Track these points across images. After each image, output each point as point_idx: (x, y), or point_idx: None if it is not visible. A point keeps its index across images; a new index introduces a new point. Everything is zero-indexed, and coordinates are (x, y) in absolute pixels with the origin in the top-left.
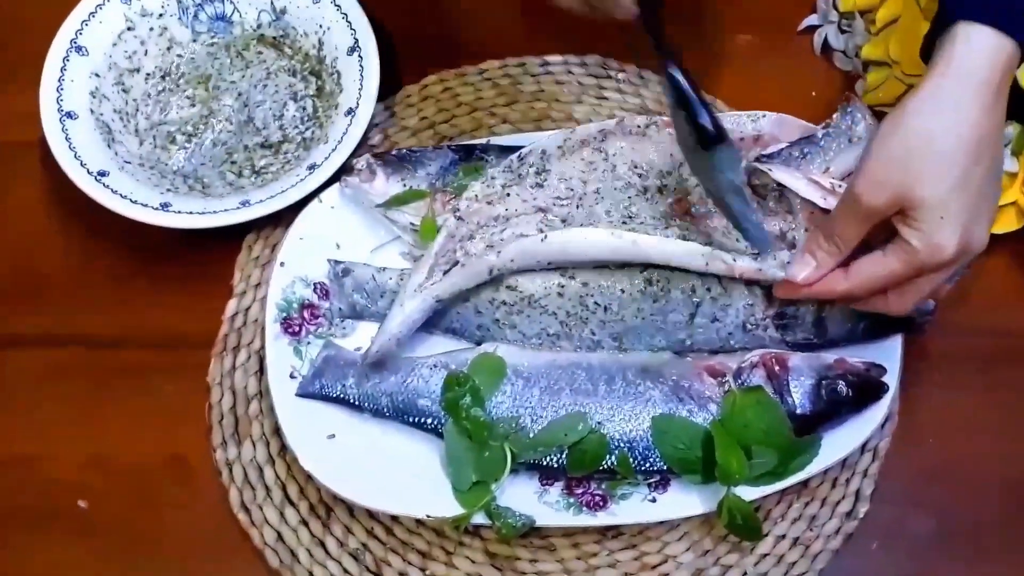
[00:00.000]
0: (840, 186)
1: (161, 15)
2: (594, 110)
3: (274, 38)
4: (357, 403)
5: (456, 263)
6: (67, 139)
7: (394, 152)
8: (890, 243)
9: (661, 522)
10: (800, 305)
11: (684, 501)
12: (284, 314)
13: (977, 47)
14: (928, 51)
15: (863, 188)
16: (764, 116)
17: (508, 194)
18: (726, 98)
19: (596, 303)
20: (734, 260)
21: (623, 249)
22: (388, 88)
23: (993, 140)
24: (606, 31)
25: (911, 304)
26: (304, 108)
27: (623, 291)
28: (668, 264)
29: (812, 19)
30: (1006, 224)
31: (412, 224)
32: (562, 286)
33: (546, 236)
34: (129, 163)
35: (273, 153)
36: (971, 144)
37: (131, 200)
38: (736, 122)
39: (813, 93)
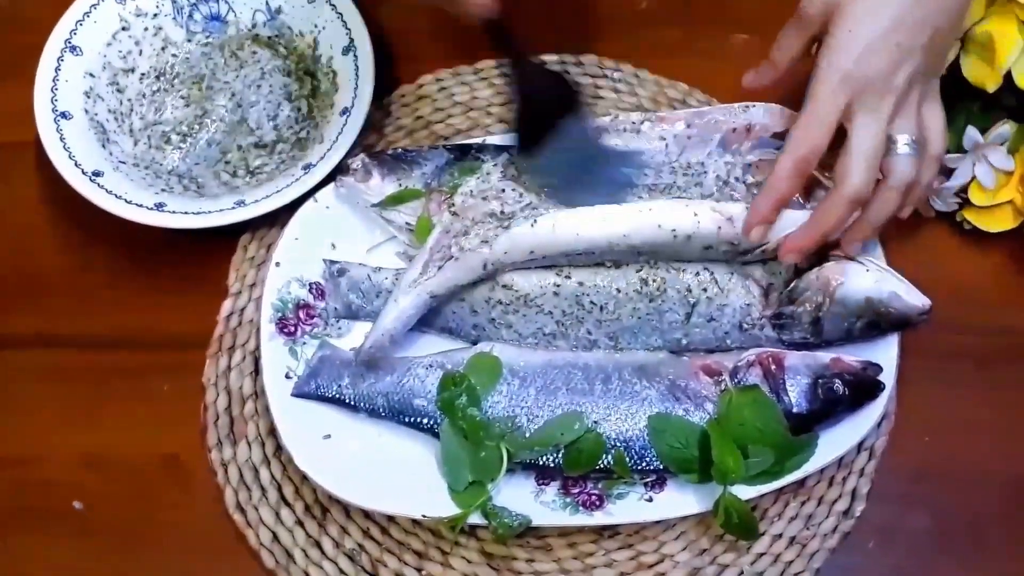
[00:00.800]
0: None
1: (156, 15)
2: (590, 109)
3: (269, 38)
4: (353, 403)
5: (451, 258)
6: (61, 139)
7: (389, 152)
8: None
9: (657, 521)
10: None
11: (680, 500)
12: (279, 314)
13: None
14: None
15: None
16: (754, 106)
17: (503, 190)
18: (722, 97)
19: (592, 302)
20: (717, 201)
21: (611, 221)
22: (383, 87)
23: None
24: (603, 31)
25: (862, 171)
26: (299, 108)
27: (619, 290)
28: (658, 234)
29: None
30: (1002, 222)
31: (408, 224)
32: (558, 285)
33: (535, 221)
34: (124, 163)
35: (267, 153)
36: None
37: (126, 200)
38: (728, 112)
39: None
